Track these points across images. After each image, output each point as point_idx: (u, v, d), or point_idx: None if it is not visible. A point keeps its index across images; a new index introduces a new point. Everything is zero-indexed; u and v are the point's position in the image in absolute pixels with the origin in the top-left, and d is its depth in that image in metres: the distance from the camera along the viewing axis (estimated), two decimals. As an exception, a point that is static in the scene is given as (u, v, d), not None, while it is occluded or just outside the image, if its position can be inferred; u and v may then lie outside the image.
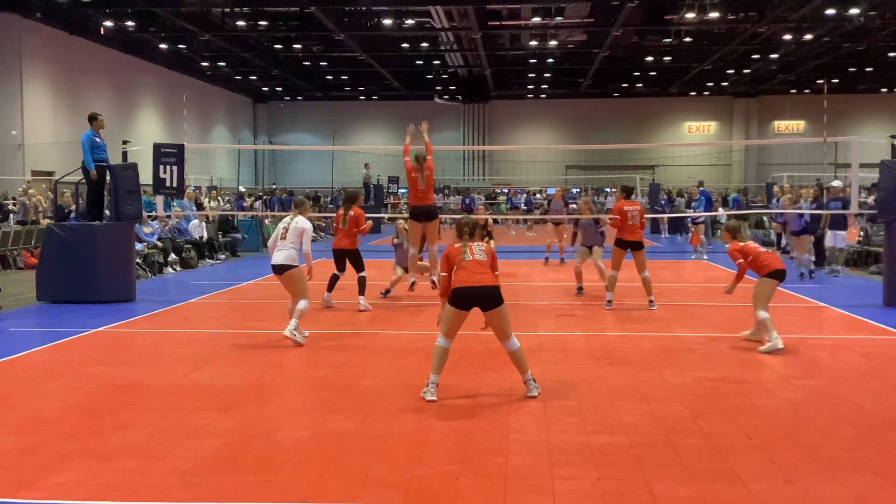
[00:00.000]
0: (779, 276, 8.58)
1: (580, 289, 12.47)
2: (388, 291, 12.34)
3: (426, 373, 7.28)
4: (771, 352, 8.07)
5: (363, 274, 11.13)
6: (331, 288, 11.25)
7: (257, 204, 28.53)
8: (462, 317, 6.44)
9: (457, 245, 6.60)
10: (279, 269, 8.57)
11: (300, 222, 8.64)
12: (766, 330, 8.25)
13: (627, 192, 11.74)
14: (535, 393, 6.38)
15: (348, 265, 11.31)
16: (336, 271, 11.34)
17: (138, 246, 14.52)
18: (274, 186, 39.28)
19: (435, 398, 6.27)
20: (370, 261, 14.04)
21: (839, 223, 15.17)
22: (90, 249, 11.73)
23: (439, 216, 11.50)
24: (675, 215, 24.46)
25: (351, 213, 11.17)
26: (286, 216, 8.98)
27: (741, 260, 8.75)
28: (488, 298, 6.34)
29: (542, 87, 47.38)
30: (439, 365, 6.42)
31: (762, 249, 8.94)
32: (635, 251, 10.91)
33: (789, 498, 4.36)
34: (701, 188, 20.72)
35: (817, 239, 16.14)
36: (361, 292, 10.95)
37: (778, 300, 12.06)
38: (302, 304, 8.52)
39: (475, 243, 6.61)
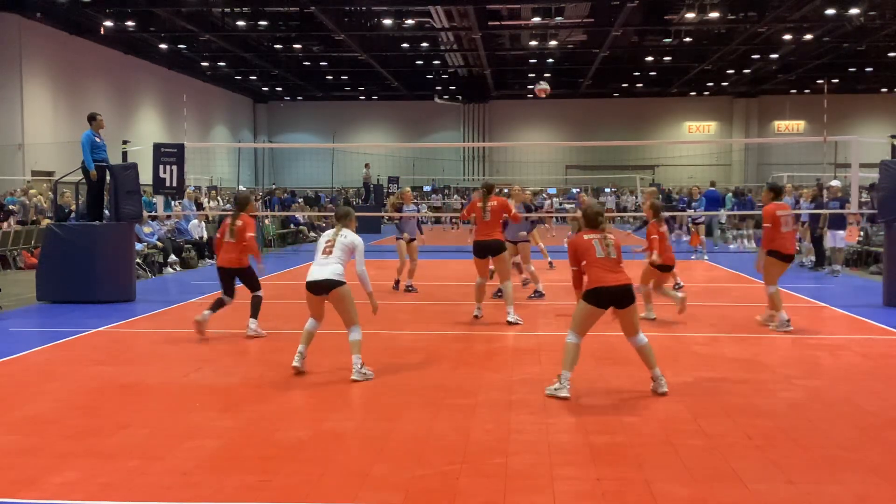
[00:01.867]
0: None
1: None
2: (398, 283, 12.97)
3: (426, 373, 7.30)
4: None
5: (259, 294, 9.30)
6: (215, 307, 9.25)
7: (257, 204, 28.50)
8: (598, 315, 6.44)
9: (586, 237, 6.49)
10: (326, 286, 7.05)
11: (349, 237, 7.22)
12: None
13: (776, 191, 9.81)
14: (663, 389, 6.45)
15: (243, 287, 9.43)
16: (222, 294, 9.29)
17: (138, 246, 14.52)
18: (274, 186, 39.28)
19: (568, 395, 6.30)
20: (371, 261, 14.05)
21: (838, 223, 15.19)
22: (90, 249, 11.73)
23: (504, 248, 10.06)
24: (675, 215, 24.42)
25: (238, 222, 9.07)
26: (328, 232, 7.47)
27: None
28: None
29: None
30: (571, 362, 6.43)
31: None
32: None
33: (789, 498, 4.36)
34: (711, 188, 20.74)
35: (816, 239, 16.17)
36: (254, 314, 9.21)
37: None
38: (356, 334, 7.14)
39: (607, 235, 6.50)
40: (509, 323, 9.75)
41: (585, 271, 6.44)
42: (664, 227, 10.03)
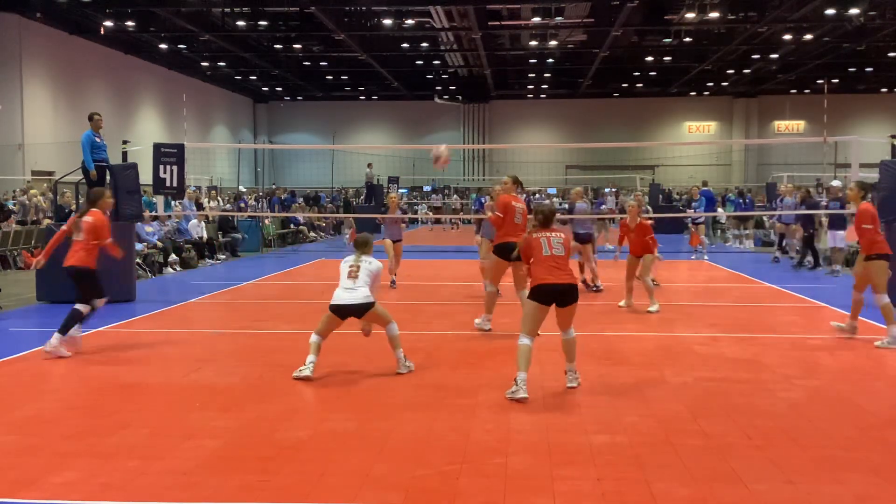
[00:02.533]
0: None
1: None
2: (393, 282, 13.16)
3: (426, 373, 7.30)
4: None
5: (80, 308, 8.32)
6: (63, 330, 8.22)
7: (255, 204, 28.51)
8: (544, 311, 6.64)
9: (535, 235, 6.72)
10: (360, 310, 7.30)
11: (374, 263, 7.50)
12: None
13: (867, 189, 9.07)
14: (573, 385, 6.67)
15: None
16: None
17: (138, 246, 14.52)
18: (274, 186, 39.30)
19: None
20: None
21: (838, 223, 15.19)
22: (90, 249, 11.69)
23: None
24: (676, 215, 24.44)
25: (88, 218, 8.40)
26: (350, 258, 7.56)
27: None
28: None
29: (542, 87, 47.37)
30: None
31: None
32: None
33: (789, 498, 4.36)
34: (704, 188, 20.71)
35: (809, 239, 16.16)
36: (62, 329, 8.13)
37: (778, 300, 12.11)
38: (394, 329, 7.50)
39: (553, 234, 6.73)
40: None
41: (532, 269, 6.63)
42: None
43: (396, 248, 13.79)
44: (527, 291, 9.17)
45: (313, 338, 7.38)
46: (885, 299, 8.39)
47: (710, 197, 20.92)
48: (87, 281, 8.38)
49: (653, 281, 11.29)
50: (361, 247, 7.62)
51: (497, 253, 9.10)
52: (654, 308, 10.65)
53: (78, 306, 8.29)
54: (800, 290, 12.95)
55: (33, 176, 27.36)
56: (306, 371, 7.11)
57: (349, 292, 7.30)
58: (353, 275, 7.37)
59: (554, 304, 6.61)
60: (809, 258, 16.53)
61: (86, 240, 8.37)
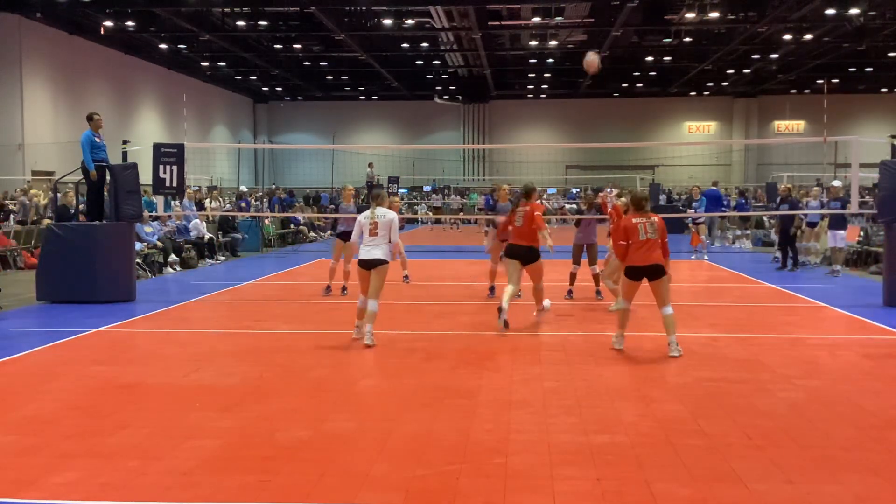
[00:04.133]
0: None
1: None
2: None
3: (426, 373, 7.31)
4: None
5: None
6: None
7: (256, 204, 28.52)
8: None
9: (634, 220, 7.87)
10: (373, 264, 8.22)
11: (387, 214, 8.30)
12: None
13: None
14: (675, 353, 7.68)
15: None
16: None
17: (138, 246, 14.52)
18: (274, 186, 39.30)
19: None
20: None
21: (839, 223, 15.19)
22: (90, 249, 11.73)
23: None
24: (676, 215, 24.43)
25: None
26: (365, 213, 8.40)
27: None
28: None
29: (542, 87, 47.38)
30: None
31: None
32: None
33: (789, 498, 4.36)
34: (713, 188, 20.69)
35: (791, 238, 16.13)
36: None
37: (778, 300, 12.11)
38: (374, 306, 8.28)
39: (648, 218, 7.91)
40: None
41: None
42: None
43: (348, 248, 12.65)
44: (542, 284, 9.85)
45: (360, 301, 8.43)
46: None
47: (717, 196, 20.89)
48: None
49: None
50: (376, 199, 8.53)
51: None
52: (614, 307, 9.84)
53: None
54: (800, 290, 12.95)
55: (33, 176, 27.36)
56: (354, 335, 8.40)
57: (370, 248, 8.29)
58: (372, 232, 8.25)
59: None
60: (818, 245, 16.52)
61: None
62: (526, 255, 9.49)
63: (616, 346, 8.22)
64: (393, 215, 8.34)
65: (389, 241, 8.29)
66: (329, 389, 6.76)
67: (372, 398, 6.45)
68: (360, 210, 12.25)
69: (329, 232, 13.17)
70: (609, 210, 11.01)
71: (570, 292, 12.08)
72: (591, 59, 11.62)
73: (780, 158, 42.03)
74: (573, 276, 12.13)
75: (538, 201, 10.34)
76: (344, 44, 33.17)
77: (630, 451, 5.10)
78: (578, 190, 43.13)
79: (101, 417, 5.90)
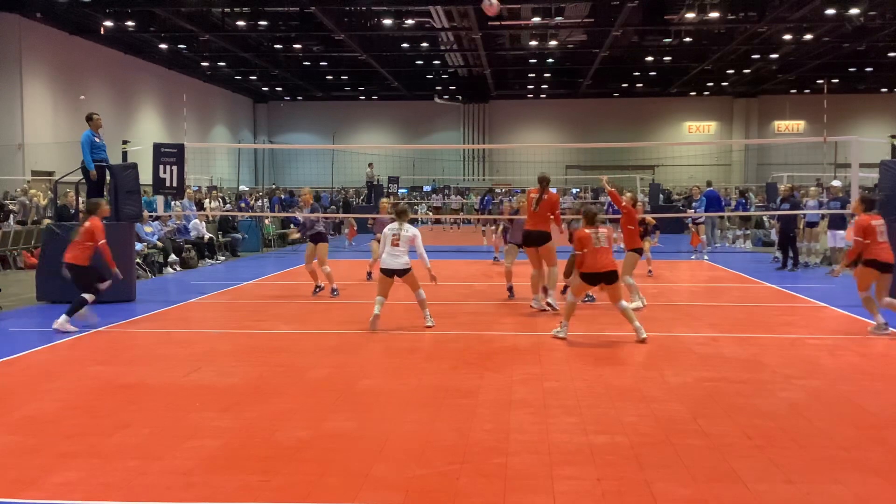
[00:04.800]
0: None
1: (510, 289, 12.05)
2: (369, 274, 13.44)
3: (426, 373, 7.31)
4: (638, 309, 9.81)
5: (85, 296, 9.57)
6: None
7: (258, 204, 28.51)
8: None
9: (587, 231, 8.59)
10: (400, 273, 9.31)
11: (410, 230, 9.33)
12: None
13: (869, 203, 9.67)
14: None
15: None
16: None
17: (138, 246, 14.52)
18: (274, 186, 39.29)
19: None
20: (370, 261, 14.05)
21: (838, 223, 15.19)
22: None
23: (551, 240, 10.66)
24: (676, 215, 24.44)
25: (87, 223, 9.89)
26: (392, 225, 9.42)
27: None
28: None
29: (542, 87, 47.39)
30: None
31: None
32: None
33: (789, 498, 4.36)
34: (709, 188, 20.65)
35: (791, 239, 16.12)
36: (71, 313, 9.47)
37: (778, 300, 12.12)
38: (422, 294, 9.58)
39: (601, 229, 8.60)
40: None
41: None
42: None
43: (319, 249, 13.14)
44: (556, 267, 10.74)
45: (378, 299, 9.30)
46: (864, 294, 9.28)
47: (715, 197, 20.86)
48: (83, 274, 9.70)
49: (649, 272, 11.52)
50: (402, 215, 9.45)
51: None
52: (631, 305, 10.32)
53: (84, 295, 9.58)
54: (800, 290, 12.95)
55: (33, 176, 27.36)
56: (375, 312, 9.25)
57: (393, 258, 9.24)
58: (395, 242, 9.23)
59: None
60: (814, 259, 16.52)
61: (82, 240, 9.74)
62: (539, 237, 10.54)
63: (559, 335, 8.81)
64: (416, 232, 9.34)
65: (408, 254, 9.33)
66: (329, 389, 6.76)
67: (372, 398, 6.45)
68: (312, 211, 12.89)
69: (297, 234, 13.10)
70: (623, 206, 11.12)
71: (566, 288, 12.24)
72: (492, 2, 11.79)
73: (780, 158, 41.98)
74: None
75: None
76: (344, 44, 33.17)
77: (630, 451, 5.10)
78: (578, 190, 43.14)
79: (101, 417, 5.90)
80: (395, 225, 9.34)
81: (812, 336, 9.24)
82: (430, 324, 9.49)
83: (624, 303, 8.87)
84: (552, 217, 10.63)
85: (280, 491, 4.46)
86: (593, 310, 11.09)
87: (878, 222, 9.23)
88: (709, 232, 20.86)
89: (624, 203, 11.02)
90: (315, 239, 12.56)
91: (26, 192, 22.37)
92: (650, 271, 15.17)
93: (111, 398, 6.48)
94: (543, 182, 10.66)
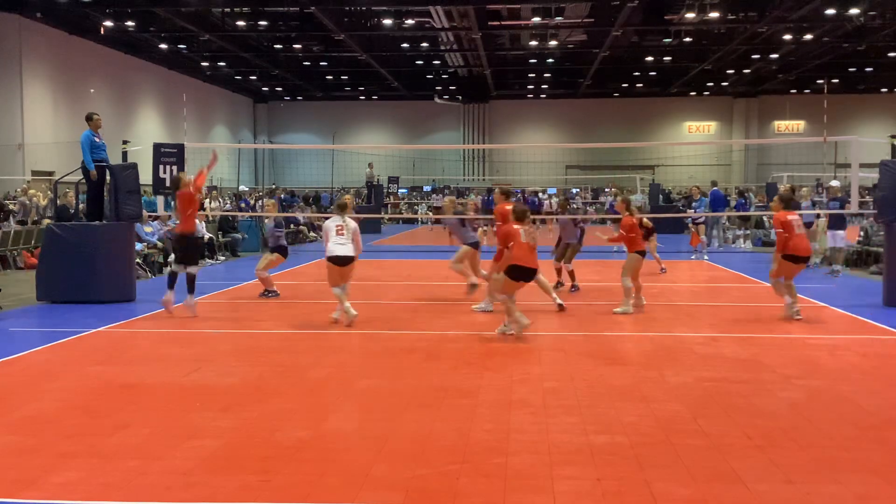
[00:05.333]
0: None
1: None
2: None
3: (426, 373, 7.32)
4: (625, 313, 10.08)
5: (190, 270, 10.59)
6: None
7: (259, 203, 28.52)
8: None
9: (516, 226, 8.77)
10: (347, 261, 9.61)
11: (353, 223, 9.82)
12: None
13: (787, 201, 10.61)
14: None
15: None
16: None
17: (138, 246, 14.52)
18: (274, 186, 39.29)
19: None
20: (372, 261, 14.05)
21: (838, 223, 15.18)
22: (90, 249, 11.72)
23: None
24: (676, 215, 24.44)
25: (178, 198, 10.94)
26: (335, 217, 9.90)
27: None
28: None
29: (542, 87, 47.40)
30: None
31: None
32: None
33: (789, 498, 4.36)
34: (714, 188, 20.66)
35: None
36: (193, 289, 10.53)
37: (778, 300, 12.10)
38: (346, 287, 9.82)
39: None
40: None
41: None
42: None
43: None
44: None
45: (335, 290, 9.65)
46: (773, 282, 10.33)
47: (719, 197, 20.84)
48: (193, 245, 10.83)
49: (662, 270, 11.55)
50: (342, 209, 9.96)
51: None
52: (619, 309, 10.59)
53: (191, 270, 10.54)
54: (800, 290, 12.92)
55: (33, 176, 27.37)
56: (343, 312, 9.62)
57: (341, 246, 9.57)
58: (340, 232, 9.61)
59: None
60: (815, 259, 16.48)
61: (182, 212, 10.63)
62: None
63: (506, 331, 8.90)
64: (356, 225, 9.86)
65: (353, 243, 9.69)
66: (329, 389, 6.76)
67: (372, 398, 6.45)
68: (276, 224, 13.16)
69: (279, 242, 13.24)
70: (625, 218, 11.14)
71: (559, 284, 12.98)
72: None
73: (780, 158, 42.00)
74: (559, 271, 13.22)
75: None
76: (344, 44, 33.18)
77: (630, 451, 5.10)
78: (578, 190, 43.14)
79: (101, 417, 5.90)
80: (337, 217, 9.78)
81: (812, 336, 9.24)
82: (343, 314, 9.68)
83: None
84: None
85: (280, 491, 4.46)
86: (593, 310, 11.09)
87: (793, 217, 10.20)
88: (710, 232, 20.87)
89: (624, 217, 11.08)
90: (276, 250, 12.85)
91: (26, 192, 22.37)
92: (663, 269, 15.44)
93: (111, 398, 6.48)
94: (507, 195, 10.81)
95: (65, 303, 11.51)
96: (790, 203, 10.71)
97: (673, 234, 25.80)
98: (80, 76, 31.13)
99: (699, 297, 12.68)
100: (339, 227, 9.65)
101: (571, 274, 12.92)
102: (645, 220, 13.34)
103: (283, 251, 12.83)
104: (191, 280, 10.43)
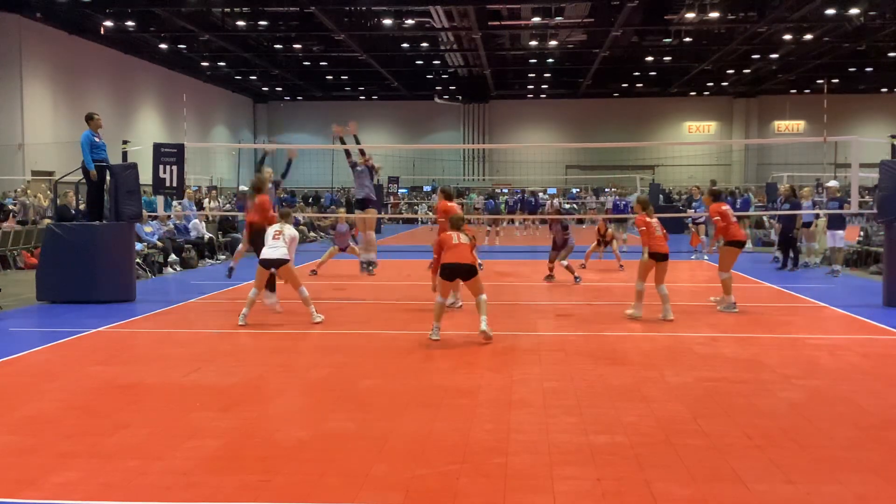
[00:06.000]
0: (663, 257, 10.20)
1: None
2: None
3: (426, 373, 7.32)
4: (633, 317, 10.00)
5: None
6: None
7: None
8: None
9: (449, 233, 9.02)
10: (278, 263, 9.90)
11: (291, 230, 10.21)
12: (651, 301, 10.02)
13: (716, 195, 11.53)
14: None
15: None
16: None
17: (138, 246, 14.51)
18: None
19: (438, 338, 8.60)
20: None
21: (838, 223, 15.18)
22: (90, 249, 11.73)
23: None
24: (676, 215, 24.44)
25: (256, 199, 11.32)
26: (275, 225, 10.26)
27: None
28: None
29: (542, 87, 47.40)
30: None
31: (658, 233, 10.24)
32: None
33: (789, 498, 4.36)
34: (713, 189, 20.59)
35: (791, 240, 16.11)
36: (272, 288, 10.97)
37: (778, 300, 12.12)
38: (305, 291, 10.09)
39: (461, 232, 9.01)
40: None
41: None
42: (653, 219, 10.35)
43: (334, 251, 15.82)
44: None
45: (253, 291, 9.99)
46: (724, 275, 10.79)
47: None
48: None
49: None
50: (284, 216, 10.35)
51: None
52: (629, 312, 10.36)
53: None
54: (800, 290, 12.95)
55: (33, 176, 27.36)
56: (240, 321, 9.78)
57: (272, 250, 9.92)
58: (276, 237, 10.01)
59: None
60: (816, 259, 16.49)
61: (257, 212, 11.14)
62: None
63: (433, 336, 8.76)
64: (295, 233, 10.27)
65: (287, 248, 9.98)
66: (329, 389, 6.76)
67: (372, 398, 6.45)
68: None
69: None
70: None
71: (549, 277, 14.31)
72: None
73: (780, 158, 42.02)
74: (551, 269, 14.37)
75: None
76: (344, 44, 33.18)
77: (630, 451, 5.10)
78: (578, 190, 43.15)
79: (101, 417, 5.90)
80: (277, 225, 10.19)
81: (812, 336, 9.25)
82: (316, 320, 9.89)
83: (483, 296, 8.87)
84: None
85: (280, 491, 4.46)
86: (593, 310, 11.09)
87: (726, 207, 11.01)
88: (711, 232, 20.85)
89: (642, 218, 10.51)
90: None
91: (25, 192, 22.37)
92: (621, 266, 16.07)
93: (111, 398, 6.48)
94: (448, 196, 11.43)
95: (65, 303, 11.51)
96: (719, 196, 11.66)
97: (673, 235, 25.75)
98: (80, 76, 31.13)
99: (699, 297, 12.67)
100: (277, 233, 10.04)
101: (569, 268, 14.07)
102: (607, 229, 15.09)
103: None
104: (271, 280, 10.83)
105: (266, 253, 9.98)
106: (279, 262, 9.89)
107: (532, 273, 15.86)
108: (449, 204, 11.01)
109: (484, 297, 8.90)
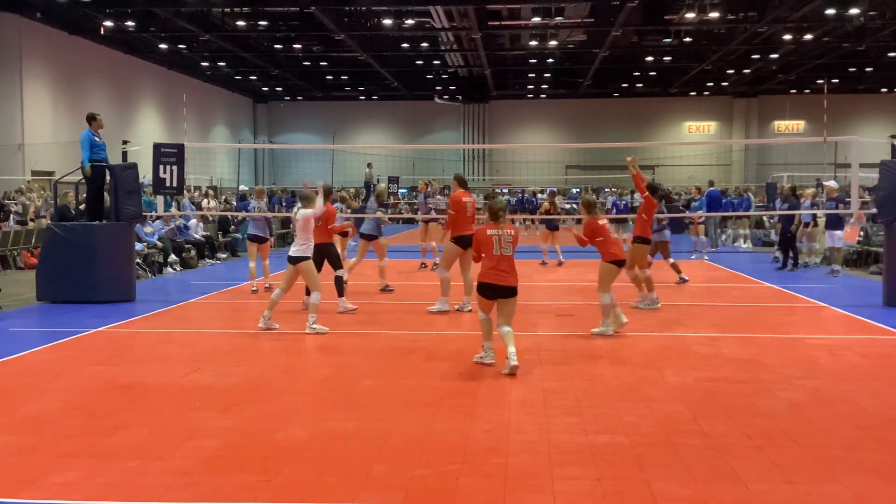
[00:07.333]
0: (620, 264, 9.32)
1: None
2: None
3: (426, 373, 7.32)
4: (603, 335, 8.98)
5: (338, 273, 10.96)
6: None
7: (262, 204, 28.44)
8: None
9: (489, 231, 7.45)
10: (294, 261, 9.41)
11: (301, 212, 9.50)
12: (603, 314, 9.12)
13: (652, 189, 11.20)
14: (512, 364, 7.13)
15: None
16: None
17: (138, 246, 14.52)
18: (274, 186, 39.28)
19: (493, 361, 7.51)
20: (374, 261, 14.06)
21: (836, 223, 15.18)
22: (90, 249, 11.73)
23: None
24: (676, 215, 24.39)
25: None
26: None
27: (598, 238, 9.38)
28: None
29: (542, 87, 47.38)
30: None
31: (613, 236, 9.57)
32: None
33: (789, 498, 4.36)
34: (711, 188, 20.64)
35: (790, 239, 16.11)
36: (341, 294, 11.00)
37: (778, 300, 12.12)
38: (316, 298, 9.51)
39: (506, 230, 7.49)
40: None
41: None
42: (603, 221, 9.30)
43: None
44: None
45: (275, 294, 9.58)
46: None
47: (716, 197, 20.80)
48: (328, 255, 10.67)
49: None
50: (303, 200, 9.76)
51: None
52: (597, 329, 9.18)
53: (338, 273, 10.89)
54: (800, 290, 12.95)
55: (33, 176, 27.35)
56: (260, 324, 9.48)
57: (293, 246, 9.52)
58: (292, 230, 10.32)
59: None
60: (817, 245, 16.49)
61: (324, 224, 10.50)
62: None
63: (486, 360, 7.56)
64: (303, 213, 9.47)
65: (304, 242, 9.43)
66: (329, 389, 6.76)
67: (372, 398, 6.45)
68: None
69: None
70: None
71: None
72: None
73: (780, 158, 42.01)
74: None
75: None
76: (344, 44, 33.16)
77: (630, 451, 5.11)
78: (578, 190, 43.12)
79: (101, 417, 5.90)
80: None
81: (812, 336, 9.25)
82: (309, 331, 9.29)
83: (510, 329, 7.37)
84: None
85: (280, 491, 4.46)
86: (594, 310, 11.08)
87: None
88: (712, 232, 20.87)
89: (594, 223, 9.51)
90: (256, 240, 13.62)
91: (24, 193, 22.37)
92: (561, 262, 16.99)
93: (111, 398, 6.48)
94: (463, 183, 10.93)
95: (65, 303, 11.51)
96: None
97: (673, 235, 25.71)
98: (80, 76, 31.11)
99: (699, 297, 12.68)
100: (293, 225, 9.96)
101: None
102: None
103: (257, 240, 13.55)
104: (339, 286, 10.92)
105: (290, 250, 9.64)
106: (296, 259, 9.45)
107: (532, 273, 15.86)
108: (464, 198, 10.31)
109: (510, 329, 7.34)
